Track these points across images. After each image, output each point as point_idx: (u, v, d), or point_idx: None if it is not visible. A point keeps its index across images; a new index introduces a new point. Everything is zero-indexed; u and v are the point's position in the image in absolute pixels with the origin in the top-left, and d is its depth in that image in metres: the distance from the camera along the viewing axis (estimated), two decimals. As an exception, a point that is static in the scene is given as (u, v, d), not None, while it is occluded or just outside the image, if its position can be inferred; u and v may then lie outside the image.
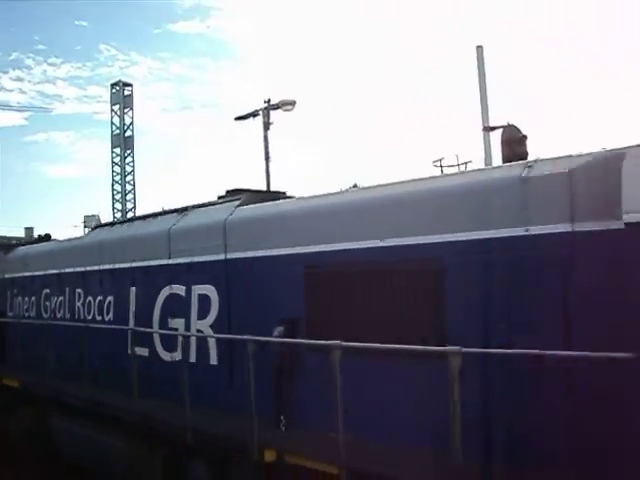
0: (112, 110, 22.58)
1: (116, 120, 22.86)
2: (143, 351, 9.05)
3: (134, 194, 22.60)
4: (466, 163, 11.62)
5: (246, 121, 22.17)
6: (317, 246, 6.82)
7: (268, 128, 21.03)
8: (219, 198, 8.98)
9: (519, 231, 5.16)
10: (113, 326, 9.67)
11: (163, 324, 8.85)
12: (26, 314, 12.40)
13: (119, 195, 22.98)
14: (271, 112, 21.37)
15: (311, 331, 6.65)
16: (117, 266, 9.88)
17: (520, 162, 5.59)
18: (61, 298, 11.23)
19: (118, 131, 22.48)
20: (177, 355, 8.31)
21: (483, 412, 5.11)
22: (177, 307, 8.64)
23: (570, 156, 5.17)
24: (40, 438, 10.86)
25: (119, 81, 23.22)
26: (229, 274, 7.91)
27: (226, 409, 7.40)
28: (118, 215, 21.95)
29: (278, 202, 7.92)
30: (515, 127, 6.86)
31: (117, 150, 22.67)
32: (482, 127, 12.88)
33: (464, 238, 5.53)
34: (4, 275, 13.19)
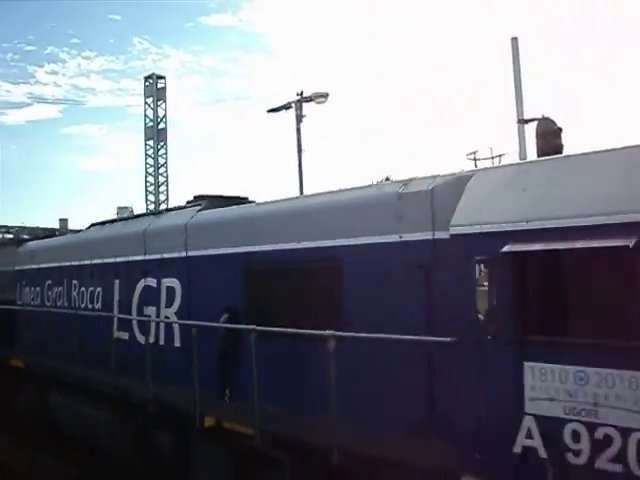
0: (145, 103, 23.07)
1: (149, 113, 23.18)
2: (124, 335, 10.45)
3: (167, 186, 23.03)
4: (500, 156, 11.71)
5: (279, 113, 22.26)
6: (253, 247, 8.05)
7: (301, 120, 21.21)
8: (187, 202, 10.25)
9: (395, 238, 6.31)
10: (99, 313, 11.02)
11: (140, 311, 10.17)
12: (32, 302, 13.87)
13: (152, 187, 23.23)
14: (304, 104, 21.40)
15: (250, 318, 7.85)
16: (104, 261, 11.22)
17: (399, 180, 6.73)
18: (60, 288, 12.64)
19: (151, 123, 22.95)
20: (151, 338, 9.62)
21: (355, 383, 6.28)
22: (150, 297, 9.96)
23: (436, 176, 6.31)
24: (41, 412, 12.33)
25: (152, 74, 23.24)
26: (189, 269, 9.19)
27: (188, 385, 8.65)
28: (151, 207, 22.12)
29: (227, 208, 9.15)
30: (550, 119, 6.81)
31: (150, 142, 23.04)
32: (517, 120, 12.86)
33: (356, 242, 6.71)
34: (14, 267, 14.67)
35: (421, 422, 5.75)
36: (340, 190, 7.45)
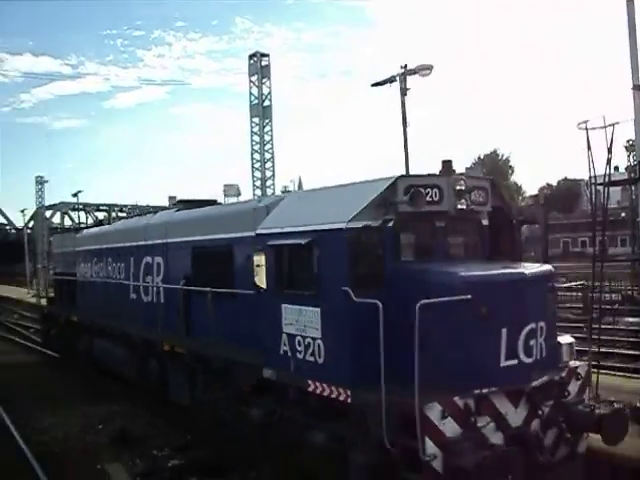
0: (250, 81, 23.16)
1: (254, 90, 23.24)
2: (134, 295, 15.24)
3: (273, 163, 22.79)
4: (613, 125, 11.05)
5: (383, 87, 21.94)
6: (194, 237, 12.53)
7: (405, 94, 21.00)
8: (173, 205, 14.91)
9: (252, 233, 10.49)
10: (120, 281, 15.89)
11: (144, 280, 14.87)
12: (85, 275, 19.01)
13: (258, 164, 23.02)
14: (408, 77, 21.21)
15: (194, 283, 12.32)
16: (124, 244, 16.03)
17: (254, 199, 11.05)
18: (101, 264, 17.60)
19: (256, 101, 23.00)
20: (148, 298, 14.36)
21: (231, 320, 10.71)
22: (149, 269, 14.62)
23: (277, 196, 10.60)
24: (88, 352, 17.58)
25: (256, 52, 23.49)
26: (167, 251, 13.79)
27: (166, 328, 13.25)
28: (258, 183, 22.45)
29: (186, 211, 13.72)
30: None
31: (256, 120, 23.02)
32: (632, 86, 11.64)
33: (236, 235, 11.00)
34: (74, 249, 19.89)
35: (250, 340, 10.03)
36: (228, 204, 11.86)
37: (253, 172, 21.89)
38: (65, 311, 20.23)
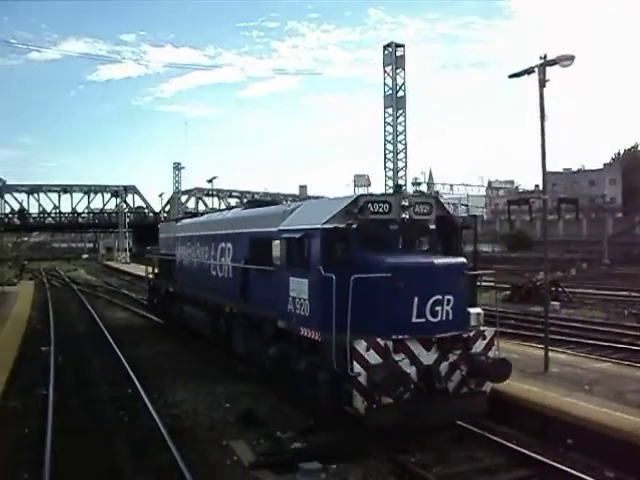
0: (384, 71, 23.49)
1: (388, 81, 23.56)
2: (214, 272, 20.01)
3: (405, 153, 22.87)
4: None
5: (520, 79, 19.59)
6: (251, 229, 16.94)
7: (544, 85, 19.87)
8: (242, 204, 19.67)
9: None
10: (205, 261, 20.78)
11: (219, 260, 19.59)
12: (180, 255, 24.18)
13: (391, 155, 23.24)
14: (547, 69, 18.81)
15: (250, 264, 16.98)
16: (207, 233, 20.89)
17: (286, 204, 15.49)
18: (192, 247, 22.61)
19: (390, 92, 23.35)
20: (222, 274, 19.13)
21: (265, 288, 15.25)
22: (223, 252, 19.25)
23: (297, 203, 14.98)
24: (179, 316, 22.81)
25: (391, 42, 23.59)
26: (234, 239, 18.36)
27: (231, 296, 17.89)
28: (390, 174, 22.43)
29: (248, 210, 18.70)
30: None
31: (389, 110, 23.34)
32: None
33: (272, 230, 15.19)
34: (174, 235, 25.14)
35: (272, 302, 14.36)
36: (272, 207, 16.52)
37: (385, 163, 21.78)
38: (164, 284, 25.97)
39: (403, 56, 23.08)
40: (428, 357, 11.48)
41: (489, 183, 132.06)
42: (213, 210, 30.31)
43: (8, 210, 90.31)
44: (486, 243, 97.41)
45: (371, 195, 12.90)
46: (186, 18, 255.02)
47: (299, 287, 12.94)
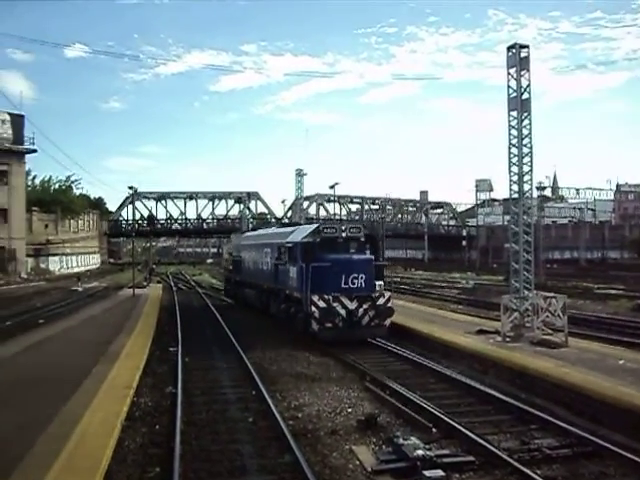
0: (508, 73, 22.38)
1: (512, 83, 22.21)
2: (262, 267, 30.22)
3: (531, 157, 21.51)
4: None
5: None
6: (278, 240, 26.71)
7: None
8: (276, 225, 30.53)
9: (288, 243, 25.13)
10: (257, 260, 31.36)
11: (265, 259, 29.78)
12: (243, 256, 34.99)
13: (515, 159, 21.74)
14: None
15: (277, 261, 27.37)
16: (259, 242, 31.15)
17: (299, 227, 25.96)
18: (250, 251, 33.16)
19: (514, 94, 22.06)
20: (266, 268, 29.53)
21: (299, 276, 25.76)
22: (266, 254, 28.77)
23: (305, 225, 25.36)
24: (242, 296, 33.89)
25: (515, 43, 22.59)
26: (271, 246, 29.12)
27: (269, 280, 28.39)
28: (515, 179, 21.37)
29: (279, 228, 30.07)
30: None
31: (514, 113, 22.00)
32: None
33: (285, 241, 25.42)
34: (240, 242, 36.17)
35: (284, 281, 24.54)
36: (287, 228, 27.00)
37: (510, 167, 20.69)
38: (234, 276, 37.88)
39: (527, 57, 21.56)
40: (351, 305, 21.18)
41: (617, 187, 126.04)
42: (267, 226, 41.94)
43: (138, 216, 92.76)
44: (614, 250, 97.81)
45: (325, 223, 24.82)
46: (305, 27, 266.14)
47: (293, 272, 23.22)
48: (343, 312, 20.96)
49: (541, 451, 10.26)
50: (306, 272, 21.29)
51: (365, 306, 21.26)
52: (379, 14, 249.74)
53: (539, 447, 10.42)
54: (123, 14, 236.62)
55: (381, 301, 21.65)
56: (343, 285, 21.30)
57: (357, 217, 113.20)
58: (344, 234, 22.51)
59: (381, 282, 22.46)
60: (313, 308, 20.76)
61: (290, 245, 23.62)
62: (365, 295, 21.38)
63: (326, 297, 20.84)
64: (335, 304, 20.87)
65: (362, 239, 22.89)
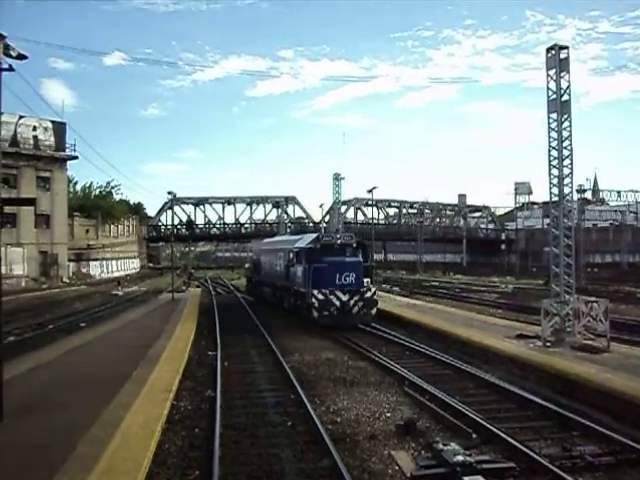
0: (548, 75, 22.01)
1: (552, 85, 21.81)
2: (277, 268, 32.05)
3: (571, 160, 21.25)
4: None
5: None
6: (290, 246, 29.16)
7: None
8: (290, 231, 34.25)
9: (295, 248, 26.82)
10: (272, 262, 33.41)
11: (278, 261, 31.54)
12: (261, 259, 37.75)
13: (555, 161, 21.33)
14: None
15: (290, 263, 28.73)
16: (274, 247, 33.68)
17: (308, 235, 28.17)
18: (267, 255, 35.96)
19: (554, 96, 21.59)
20: (279, 269, 31.08)
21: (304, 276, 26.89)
22: (280, 257, 32.03)
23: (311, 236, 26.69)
24: (260, 294, 36.98)
25: (555, 45, 22.21)
26: (285, 250, 30.53)
27: (282, 279, 30.19)
28: (555, 181, 21.09)
29: (292, 236, 32.83)
30: None
31: (553, 115, 21.58)
32: None
33: (295, 246, 27.58)
34: (260, 247, 39.73)
35: (293, 279, 27.19)
36: (299, 235, 29.66)
37: (550, 170, 20.44)
38: (254, 276, 42.67)
39: (567, 58, 21.42)
40: (344, 297, 25.83)
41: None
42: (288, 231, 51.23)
43: (177, 221, 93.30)
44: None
45: (324, 234, 30.59)
46: (341, 32, 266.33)
47: (299, 271, 27.55)
48: (337, 303, 25.58)
49: (583, 458, 10.10)
50: (308, 271, 25.81)
51: (355, 298, 25.87)
52: (415, 17, 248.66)
53: (581, 454, 10.25)
54: (161, 22, 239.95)
55: (368, 294, 26.24)
56: (337, 282, 25.83)
57: (395, 221, 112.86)
58: (339, 241, 27.21)
59: (368, 279, 27.23)
60: (313, 300, 25.35)
61: (297, 250, 27.78)
62: (355, 289, 25.97)
63: (324, 291, 25.38)
64: (331, 297, 25.46)
65: (354, 245, 27.47)
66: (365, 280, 26.55)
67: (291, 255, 28.41)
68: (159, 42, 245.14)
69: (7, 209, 11.67)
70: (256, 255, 42.10)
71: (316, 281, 25.28)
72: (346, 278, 25.67)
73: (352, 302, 25.56)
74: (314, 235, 28.35)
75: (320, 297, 25.14)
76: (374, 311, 26.29)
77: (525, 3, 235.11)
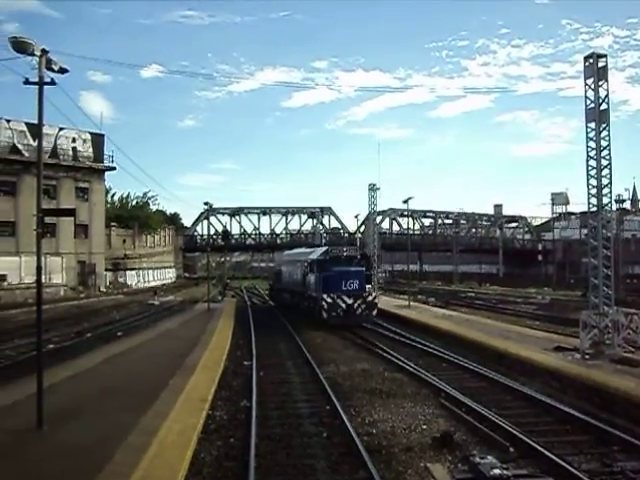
0: (586, 84, 21.59)
1: (590, 94, 21.37)
2: (296, 276, 34.20)
3: (610, 170, 20.67)
4: None
5: None
6: (307, 257, 31.96)
7: None
8: (306, 246, 39.63)
9: (309, 260, 28.14)
10: (292, 272, 35.61)
11: (297, 271, 33.52)
12: (282, 269, 39.97)
13: (594, 171, 20.76)
14: None
15: (307, 272, 31.65)
16: (294, 258, 35.77)
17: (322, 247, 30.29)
18: (287, 265, 38.47)
19: (592, 105, 21.14)
20: (298, 277, 33.22)
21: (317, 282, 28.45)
22: (299, 267, 34.56)
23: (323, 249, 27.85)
24: (281, 300, 39.80)
25: (593, 53, 21.83)
26: (304, 262, 33.47)
27: (300, 285, 32.09)
28: (593, 191, 20.55)
29: (309, 248, 35.39)
30: None
31: (592, 125, 21.07)
32: None
33: (312, 257, 29.48)
34: (282, 259, 42.34)
35: (308, 285, 29.68)
36: (313, 248, 32.12)
37: (588, 180, 20.11)
38: (275, 284, 47.10)
39: (605, 67, 20.94)
40: (349, 300, 30.70)
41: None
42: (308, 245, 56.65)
43: (213, 232, 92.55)
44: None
45: (332, 247, 33.68)
46: (376, 43, 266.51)
47: (312, 279, 31.95)
48: (343, 305, 30.42)
49: (625, 474, 9.89)
50: (319, 279, 30.46)
51: (358, 301, 30.77)
52: (450, 27, 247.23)
53: (622, 470, 10.04)
54: (197, 35, 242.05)
55: (369, 298, 31.35)
56: (343, 287, 30.52)
57: (430, 232, 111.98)
58: (345, 254, 31.95)
59: (370, 285, 32.55)
60: (323, 303, 30.13)
61: (310, 261, 32.25)
62: (358, 294, 30.78)
63: (332, 295, 30.23)
64: (338, 300, 30.29)
65: (357, 257, 32.52)
66: (367, 286, 31.69)
67: (306, 265, 32.75)
68: (195, 54, 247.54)
69: (47, 219, 11.86)
70: (277, 266, 48.05)
71: (326, 287, 30.09)
72: (351, 284, 30.43)
73: (356, 305, 30.55)
74: (324, 248, 33.23)
75: (329, 300, 30.04)
76: (375, 312, 31.66)
77: (561, 12, 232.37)
